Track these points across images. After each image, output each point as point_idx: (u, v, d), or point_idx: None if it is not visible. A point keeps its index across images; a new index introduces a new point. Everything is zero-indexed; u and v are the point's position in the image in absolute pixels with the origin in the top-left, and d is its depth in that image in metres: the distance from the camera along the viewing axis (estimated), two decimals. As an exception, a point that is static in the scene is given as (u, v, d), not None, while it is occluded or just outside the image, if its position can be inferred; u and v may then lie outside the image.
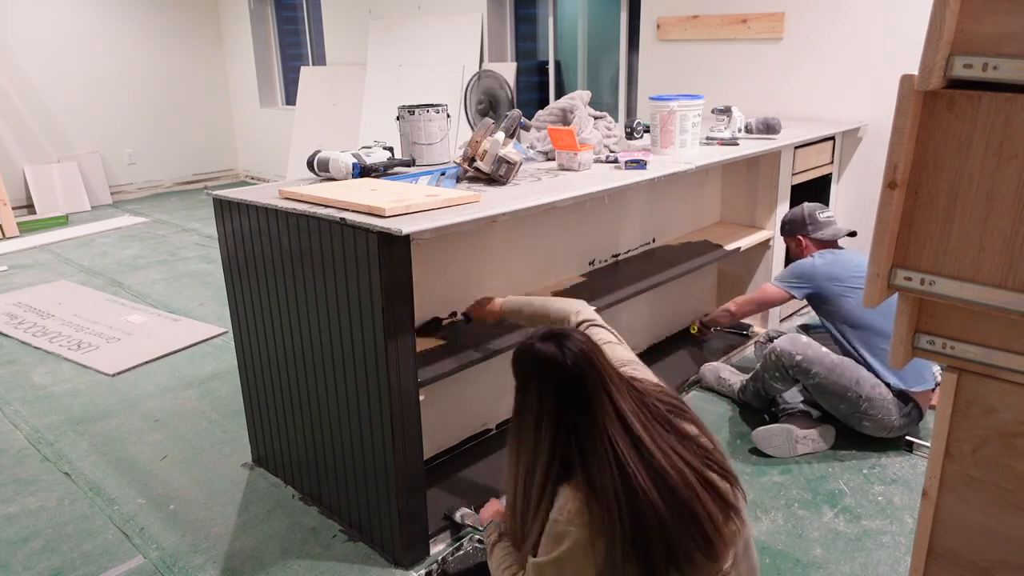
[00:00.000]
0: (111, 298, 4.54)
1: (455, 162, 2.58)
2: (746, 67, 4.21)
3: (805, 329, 3.06)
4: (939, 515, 1.11)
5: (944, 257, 0.97)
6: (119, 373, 3.49)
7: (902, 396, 2.58)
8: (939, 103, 0.93)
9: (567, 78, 5.72)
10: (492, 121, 2.48)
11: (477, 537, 2.19)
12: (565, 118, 2.96)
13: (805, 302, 2.91)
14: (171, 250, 5.66)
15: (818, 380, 2.58)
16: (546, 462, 1.36)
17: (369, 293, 1.91)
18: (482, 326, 2.32)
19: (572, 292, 2.73)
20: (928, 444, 1.96)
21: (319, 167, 2.52)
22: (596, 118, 2.98)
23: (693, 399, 3.07)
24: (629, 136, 3.24)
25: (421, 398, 2.06)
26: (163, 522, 2.39)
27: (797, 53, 4.01)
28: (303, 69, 7.23)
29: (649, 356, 3.39)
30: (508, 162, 2.37)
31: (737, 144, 3.18)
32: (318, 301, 2.10)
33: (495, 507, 1.94)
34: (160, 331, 3.97)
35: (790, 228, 3.03)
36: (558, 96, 5.43)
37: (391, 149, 2.63)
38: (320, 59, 7.43)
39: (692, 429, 1.42)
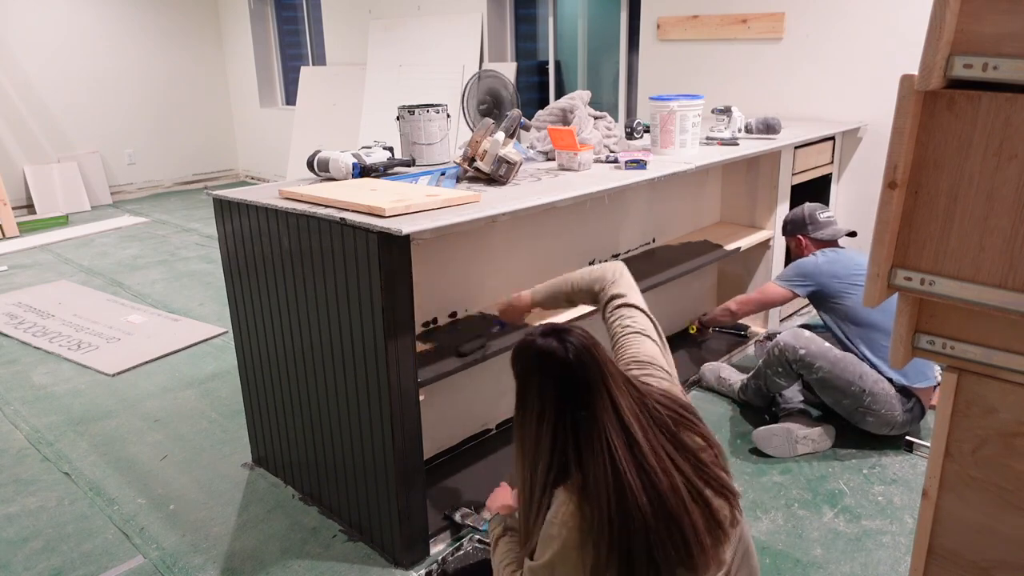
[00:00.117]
0: (111, 298, 4.54)
1: (455, 162, 2.58)
2: (746, 67, 4.22)
3: (806, 328, 3.06)
4: (939, 515, 1.11)
5: (944, 257, 0.97)
6: (119, 373, 3.49)
7: (904, 392, 2.59)
8: (939, 103, 0.93)
9: (567, 78, 5.72)
10: (492, 121, 2.48)
11: (477, 537, 2.19)
12: (565, 118, 2.96)
13: (806, 302, 2.91)
14: (171, 250, 5.66)
15: (821, 374, 2.58)
16: (547, 460, 1.36)
17: (369, 293, 1.91)
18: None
19: (572, 292, 2.73)
20: (928, 444, 1.96)
21: (319, 167, 2.52)
22: (596, 118, 2.98)
23: (693, 399, 3.07)
24: (629, 136, 3.24)
25: (421, 398, 2.06)
26: (163, 522, 2.39)
27: (797, 53, 4.01)
28: (303, 69, 7.23)
29: (649, 356, 3.38)
30: (508, 162, 2.37)
31: (737, 144, 3.18)
32: (318, 301, 2.10)
33: (503, 492, 1.92)
34: (160, 331, 3.97)
35: (791, 228, 3.05)
36: (558, 96, 5.43)
37: (391, 149, 2.63)
38: (320, 59, 7.43)
39: (694, 441, 1.40)
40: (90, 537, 2.33)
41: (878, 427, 2.62)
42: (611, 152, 2.90)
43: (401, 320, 1.94)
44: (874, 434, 2.67)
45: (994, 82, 0.89)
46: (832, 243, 2.95)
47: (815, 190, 3.80)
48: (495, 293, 2.62)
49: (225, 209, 2.36)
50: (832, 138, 3.81)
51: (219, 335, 3.90)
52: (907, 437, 2.68)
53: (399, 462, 2.04)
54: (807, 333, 2.68)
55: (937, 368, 2.65)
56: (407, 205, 1.95)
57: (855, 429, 2.69)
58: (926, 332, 1.04)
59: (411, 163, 2.67)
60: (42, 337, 3.94)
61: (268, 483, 2.57)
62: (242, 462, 2.71)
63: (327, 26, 7.02)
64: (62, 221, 6.62)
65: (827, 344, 2.64)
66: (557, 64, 5.66)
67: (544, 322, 1.58)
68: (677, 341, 3.57)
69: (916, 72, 0.92)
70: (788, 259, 3.66)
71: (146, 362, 3.60)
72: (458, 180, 2.48)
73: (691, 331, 3.38)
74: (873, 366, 2.59)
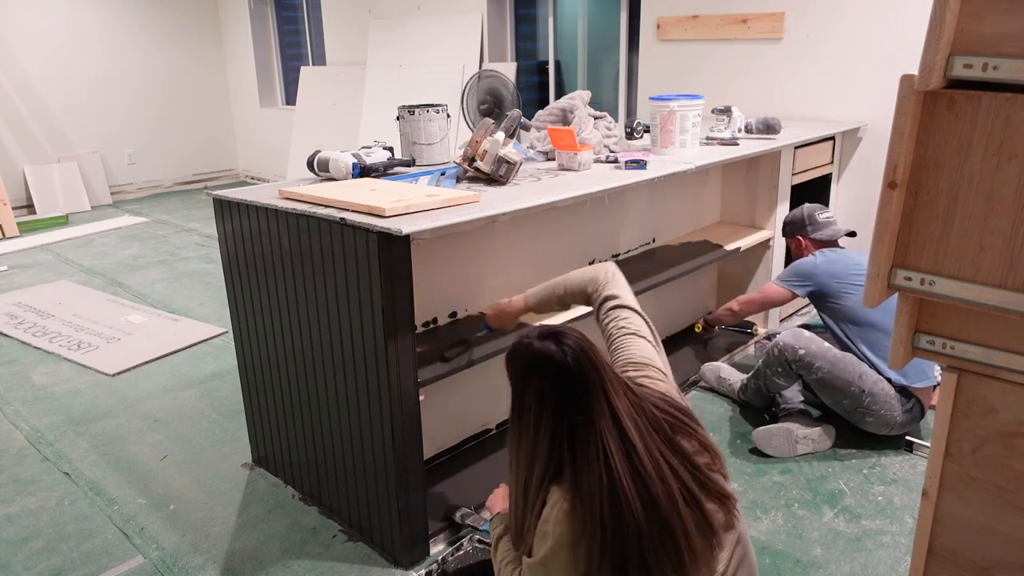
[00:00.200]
0: (111, 298, 4.54)
1: (455, 162, 2.58)
2: (746, 67, 4.22)
3: (806, 329, 3.06)
4: (939, 515, 1.11)
5: (944, 257, 0.97)
6: (119, 373, 3.49)
7: (904, 392, 2.59)
8: (939, 103, 0.93)
9: (567, 78, 5.72)
10: (492, 121, 2.48)
11: (477, 537, 2.19)
12: (565, 118, 2.96)
13: (807, 301, 2.91)
14: (171, 250, 5.66)
15: (821, 375, 2.58)
16: (544, 462, 1.35)
17: (369, 293, 1.91)
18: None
19: (572, 292, 2.73)
20: (928, 444, 1.96)
21: (319, 167, 2.52)
22: (596, 118, 2.98)
23: (693, 399, 3.07)
24: (629, 136, 3.24)
25: (421, 398, 2.06)
26: (163, 522, 2.39)
27: (797, 53, 4.01)
28: (303, 69, 7.23)
29: (649, 356, 3.38)
30: (508, 162, 2.37)
31: (737, 144, 3.18)
32: (318, 301, 2.10)
33: (504, 492, 1.92)
34: (160, 331, 3.97)
35: (790, 229, 3.06)
36: (558, 96, 5.43)
37: (391, 149, 2.63)
38: (320, 59, 7.43)
39: (691, 445, 1.40)
40: (90, 537, 2.33)
41: (877, 427, 2.62)
42: (611, 152, 2.90)
43: (401, 320, 1.94)
44: (874, 434, 2.67)
45: (994, 82, 0.89)
46: (832, 243, 2.96)
47: (815, 190, 3.80)
48: (495, 293, 2.62)
49: (225, 209, 2.36)
50: (832, 138, 3.81)
51: (219, 335, 3.90)
52: (907, 437, 2.68)
53: (399, 462, 2.04)
54: (807, 333, 2.68)
55: (937, 368, 2.65)
56: (407, 205, 1.95)
57: (855, 429, 2.69)
58: (926, 332, 1.04)
59: (411, 163, 2.67)
60: (42, 337, 3.94)
61: (268, 483, 2.57)
62: (242, 462, 2.71)
63: (327, 26, 7.02)
64: (62, 221, 6.62)
65: (827, 344, 2.64)
66: (557, 64, 5.66)
67: (537, 324, 1.57)
68: (678, 340, 3.57)
69: (916, 72, 0.92)
70: (788, 259, 3.66)
71: (146, 362, 3.60)
72: (458, 180, 2.48)
73: (697, 329, 3.39)
74: (873, 366, 2.60)
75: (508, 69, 5.56)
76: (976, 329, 1.00)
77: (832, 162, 3.90)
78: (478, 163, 2.42)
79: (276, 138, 7.75)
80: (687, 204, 3.51)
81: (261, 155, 8.20)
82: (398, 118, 2.74)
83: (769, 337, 3.06)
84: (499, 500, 1.90)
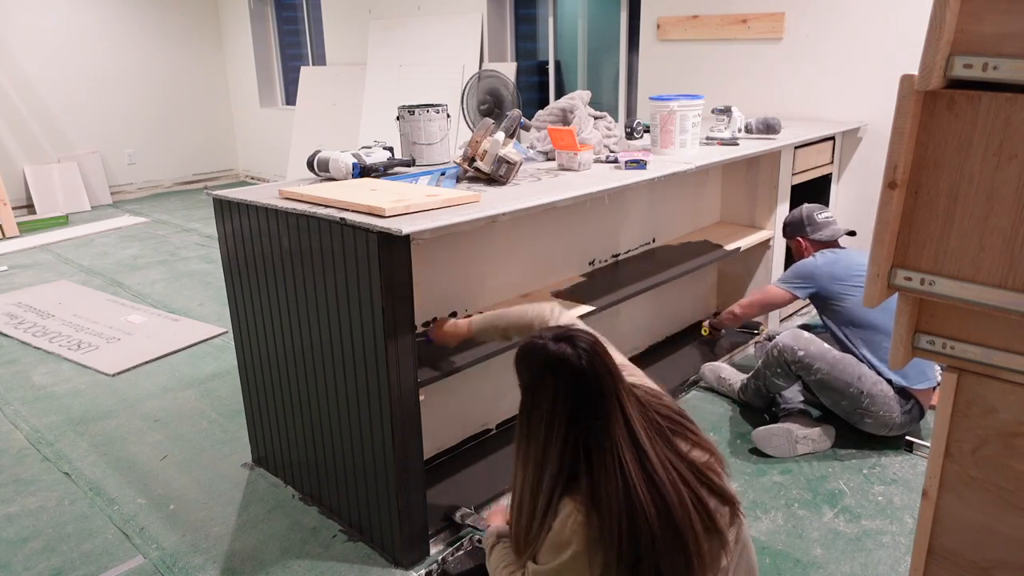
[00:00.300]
0: (111, 298, 4.54)
1: (455, 162, 2.58)
2: (746, 67, 4.21)
3: (806, 329, 3.06)
4: (939, 515, 1.11)
5: (944, 257, 0.97)
6: (119, 373, 3.49)
7: (903, 393, 2.59)
8: (939, 103, 0.93)
9: (567, 78, 5.72)
10: (492, 121, 2.48)
11: (477, 537, 2.19)
12: (565, 118, 2.96)
13: (807, 302, 2.91)
14: (171, 250, 5.66)
15: (820, 376, 2.58)
16: (555, 468, 1.33)
17: (369, 293, 1.91)
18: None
19: (572, 292, 2.73)
20: (928, 444, 1.96)
21: (319, 167, 2.52)
22: (596, 118, 2.98)
23: (693, 399, 3.07)
24: (629, 136, 3.24)
25: (421, 398, 2.06)
26: (163, 522, 2.39)
27: (797, 53, 4.01)
28: (303, 69, 7.23)
29: (649, 356, 3.39)
30: (508, 162, 2.37)
31: (737, 144, 3.18)
32: (318, 301, 2.10)
33: (502, 511, 1.93)
34: (160, 331, 3.97)
35: (790, 230, 3.06)
36: (558, 96, 5.43)
37: (391, 149, 2.63)
38: (320, 59, 7.43)
39: (695, 449, 1.39)
40: (90, 537, 2.33)
41: (876, 428, 2.62)
42: (611, 152, 2.90)
43: (401, 320, 1.94)
44: (874, 434, 2.67)
45: (994, 82, 0.89)
46: (832, 244, 2.95)
47: (815, 190, 3.80)
48: (495, 293, 2.62)
49: (225, 209, 2.36)
50: (832, 138, 3.81)
51: (219, 335, 3.90)
52: (907, 437, 2.68)
53: (399, 462, 2.04)
54: (806, 335, 2.68)
55: (937, 369, 2.65)
56: (407, 205, 1.95)
57: (855, 429, 2.69)
58: (926, 332, 1.05)
59: (411, 163, 2.67)
60: (42, 337, 3.94)
61: (268, 483, 2.57)
62: (242, 462, 2.71)
63: (327, 26, 7.02)
64: (62, 221, 6.62)
65: (826, 346, 2.64)
66: (557, 64, 5.66)
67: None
68: (678, 340, 3.57)
69: (916, 72, 0.92)
70: (788, 259, 3.66)
71: (146, 362, 3.60)
72: (458, 180, 2.48)
73: (703, 332, 3.40)
74: (873, 367, 2.59)
75: (508, 69, 5.55)
76: (976, 329, 1.00)
77: (832, 162, 3.90)
78: (478, 163, 2.42)
79: (276, 138, 7.75)
80: (687, 204, 3.51)
81: (261, 155, 8.20)
82: (398, 118, 2.74)
83: (770, 338, 3.06)
84: (496, 517, 1.91)
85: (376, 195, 2.05)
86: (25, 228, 6.36)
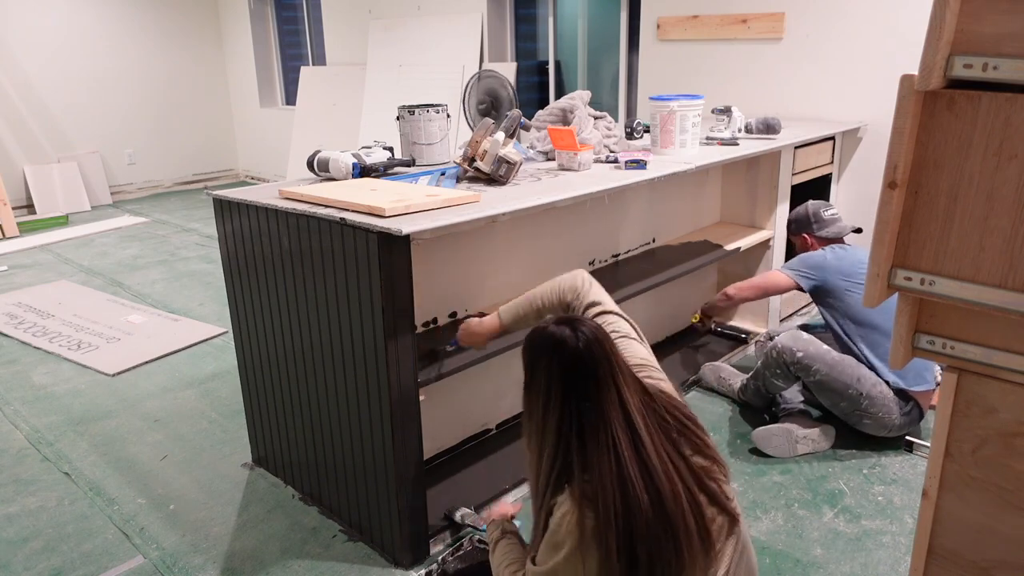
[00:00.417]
0: (111, 298, 4.54)
1: (455, 162, 2.58)
2: (746, 67, 4.21)
3: (805, 329, 3.06)
4: (939, 515, 1.11)
5: (944, 257, 0.97)
6: (119, 373, 3.49)
7: (902, 395, 2.59)
8: (939, 103, 0.93)
9: (567, 78, 5.72)
10: (492, 121, 2.48)
11: (477, 537, 2.19)
12: (565, 118, 2.96)
13: (807, 301, 2.90)
14: (171, 250, 5.66)
15: (819, 377, 2.58)
16: (552, 448, 1.36)
17: (369, 293, 1.91)
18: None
19: (572, 292, 2.73)
20: (928, 444, 1.96)
21: (319, 167, 2.52)
22: (596, 118, 2.98)
23: (693, 399, 3.07)
24: (629, 136, 3.24)
25: (421, 398, 2.06)
26: (163, 522, 2.39)
27: (797, 53, 4.01)
28: (303, 69, 7.23)
29: (649, 356, 3.38)
30: (508, 162, 2.37)
31: (737, 144, 3.18)
32: (318, 301, 2.10)
33: (503, 506, 1.93)
34: (160, 331, 3.97)
35: (795, 227, 3.05)
36: (558, 96, 5.43)
37: (391, 149, 2.63)
38: (320, 59, 7.43)
39: (699, 454, 1.40)
40: (90, 537, 2.33)
41: (875, 429, 2.62)
42: (611, 152, 2.90)
43: (401, 320, 1.94)
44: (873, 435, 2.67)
45: (994, 82, 0.89)
46: (838, 240, 2.94)
47: (815, 190, 3.80)
48: (495, 293, 2.62)
49: (225, 209, 2.36)
50: (832, 138, 3.81)
51: (219, 335, 3.90)
52: (907, 437, 2.68)
53: (399, 462, 2.04)
54: (805, 336, 2.67)
55: (937, 370, 2.65)
56: (407, 205, 1.95)
57: (855, 429, 2.69)
58: (926, 332, 1.04)
59: (411, 163, 2.67)
60: (42, 337, 3.94)
61: (268, 483, 2.57)
62: (242, 462, 2.71)
63: (327, 26, 7.02)
64: (62, 221, 6.62)
65: (825, 347, 2.63)
66: (557, 64, 5.66)
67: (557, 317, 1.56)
68: (678, 340, 3.57)
69: (916, 72, 0.92)
70: (790, 257, 3.66)
71: (146, 362, 3.60)
72: (458, 180, 2.48)
73: (694, 320, 3.33)
74: (872, 367, 2.59)
75: (508, 69, 5.55)
76: (976, 329, 1.00)
77: (832, 162, 3.90)
78: (478, 163, 2.42)
79: (276, 138, 7.75)
80: (687, 204, 3.51)
81: (261, 155, 8.20)
82: (398, 118, 2.74)
83: (770, 337, 3.05)
84: (498, 511, 1.92)
85: (376, 195, 2.05)
86: (25, 228, 6.36)
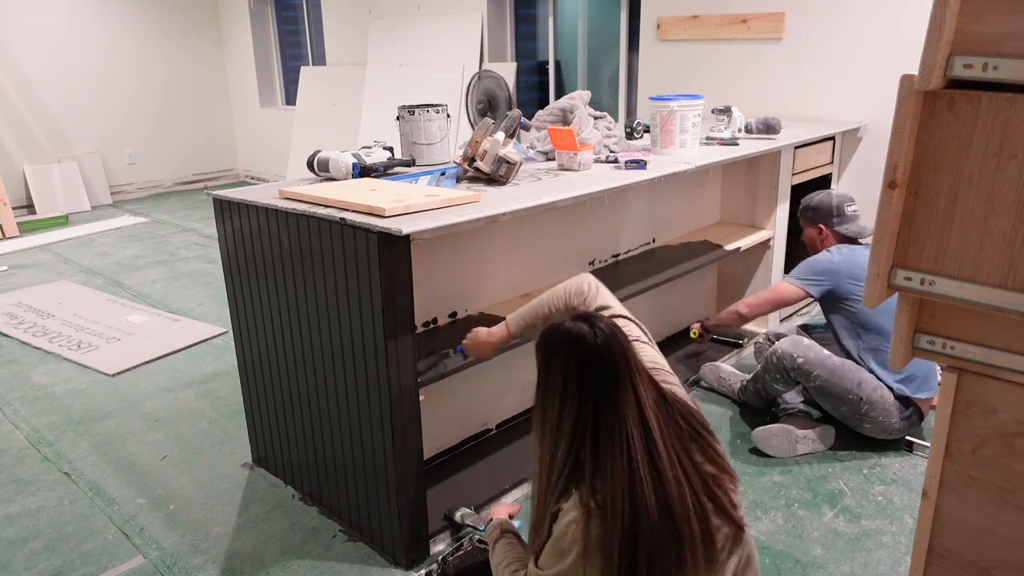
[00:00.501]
0: (111, 298, 4.54)
1: (455, 162, 2.58)
2: (746, 67, 4.21)
3: (805, 329, 3.06)
4: (939, 515, 1.11)
5: (944, 257, 0.97)
6: (119, 373, 3.49)
7: (904, 399, 2.58)
8: (939, 103, 0.93)
9: (567, 78, 5.72)
10: (492, 121, 2.48)
11: (477, 537, 2.19)
12: (565, 118, 2.96)
13: (808, 300, 2.84)
14: (171, 250, 5.66)
15: (819, 383, 2.57)
16: (567, 445, 1.34)
17: (369, 293, 1.91)
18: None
19: (572, 292, 2.73)
20: (928, 444, 1.96)
21: (319, 167, 2.52)
22: (596, 118, 2.98)
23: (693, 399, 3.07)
24: (629, 136, 3.24)
25: (421, 398, 2.06)
26: (163, 522, 2.39)
27: (797, 53, 4.01)
28: (303, 69, 7.23)
29: (649, 356, 3.38)
30: (508, 162, 2.37)
31: (737, 144, 3.18)
32: (318, 301, 2.10)
33: (502, 507, 1.93)
34: (160, 331, 3.97)
35: (813, 215, 2.85)
36: (558, 96, 5.43)
37: (391, 149, 2.63)
38: (320, 59, 7.43)
39: (704, 459, 1.38)
40: (90, 537, 2.33)
41: (875, 432, 2.61)
42: (611, 152, 2.90)
43: (401, 320, 1.94)
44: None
45: (994, 82, 0.89)
46: (853, 241, 2.79)
47: (815, 190, 3.79)
48: (495, 293, 2.62)
49: (225, 209, 2.36)
50: (832, 138, 3.81)
51: (219, 335, 3.90)
52: (907, 437, 2.68)
53: (399, 462, 2.04)
54: (805, 341, 2.65)
55: (938, 370, 2.64)
56: (407, 205, 1.95)
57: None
58: (926, 332, 1.04)
59: (411, 163, 2.67)
60: (42, 337, 3.94)
61: (268, 483, 2.57)
62: (242, 462, 2.71)
63: (327, 26, 7.02)
64: (62, 221, 6.62)
65: (825, 352, 2.60)
66: (557, 64, 5.66)
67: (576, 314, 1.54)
68: (678, 341, 3.57)
69: (916, 72, 0.92)
70: (791, 253, 3.66)
71: (146, 362, 3.60)
72: (458, 180, 2.48)
73: (693, 335, 3.23)
74: (874, 374, 2.57)
75: (508, 69, 5.55)
76: (976, 329, 1.00)
77: (832, 162, 3.90)
78: (478, 163, 2.42)
79: (276, 138, 7.75)
80: (687, 204, 3.51)
81: (261, 155, 8.20)
82: (398, 118, 2.74)
83: (771, 340, 3.03)
84: (496, 512, 1.92)
85: (376, 195, 2.05)
86: (25, 228, 6.36)
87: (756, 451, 2.66)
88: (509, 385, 2.78)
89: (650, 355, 1.60)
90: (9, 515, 2.46)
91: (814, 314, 3.89)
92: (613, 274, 2.98)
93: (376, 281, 1.88)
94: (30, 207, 6.92)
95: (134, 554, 2.24)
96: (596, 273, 2.97)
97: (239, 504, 2.46)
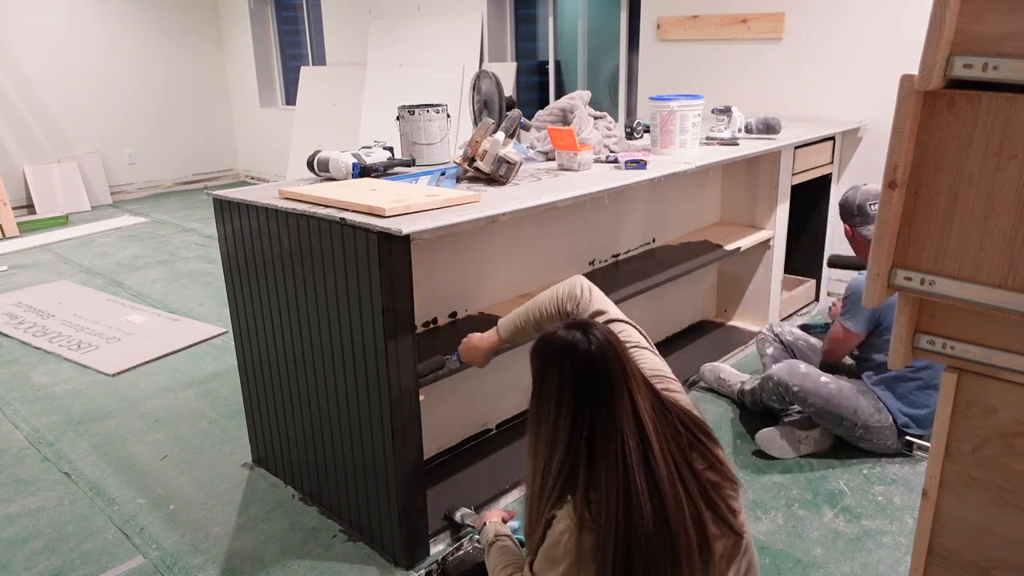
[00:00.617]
0: (111, 298, 4.54)
1: (455, 162, 2.58)
2: (746, 67, 4.21)
3: (805, 329, 3.05)
4: (939, 515, 1.11)
5: (944, 257, 0.97)
6: (119, 373, 3.49)
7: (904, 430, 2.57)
8: (939, 103, 0.93)
9: (567, 78, 5.72)
10: (492, 121, 2.48)
11: (477, 537, 2.19)
12: (565, 118, 2.96)
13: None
14: (171, 250, 5.66)
15: (815, 409, 2.56)
16: (563, 454, 1.33)
17: (369, 293, 1.91)
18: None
19: (572, 292, 2.73)
20: (928, 444, 1.96)
21: (319, 167, 2.52)
22: (596, 118, 2.98)
23: (693, 399, 3.06)
24: (629, 136, 3.24)
25: (421, 398, 2.06)
26: (163, 522, 2.39)
27: (797, 53, 4.01)
28: (303, 69, 7.23)
29: (649, 356, 3.38)
30: (508, 162, 2.37)
31: (737, 144, 3.18)
32: (318, 301, 2.10)
33: (495, 516, 1.93)
34: (160, 331, 3.97)
35: (841, 212, 2.76)
36: (558, 96, 5.43)
37: (391, 149, 2.63)
38: (320, 59, 7.43)
39: (703, 465, 1.37)
40: (90, 537, 2.33)
41: (873, 448, 2.61)
42: (611, 152, 2.90)
43: (401, 320, 1.94)
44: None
45: (994, 82, 0.89)
46: None
47: (815, 190, 3.80)
48: (495, 293, 2.62)
49: (225, 209, 2.36)
50: (832, 138, 3.81)
51: (219, 335, 3.90)
52: (907, 437, 2.67)
53: (399, 462, 2.04)
54: (802, 368, 2.61)
55: None
56: (407, 205, 1.95)
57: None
58: (926, 332, 1.04)
59: (411, 163, 2.67)
60: (42, 337, 3.94)
61: (268, 483, 2.57)
62: (242, 462, 2.71)
63: (327, 26, 7.02)
64: (62, 221, 6.62)
65: (823, 379, 2.56)
66: (557, 64, 5.66)
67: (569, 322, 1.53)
68: (678, 341, 3.57)
69: (916, 72, 0.92)
70: (790, 254, 3.65)
71: (146, 362, 3.60)
72: (458, 180, 2.48)
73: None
74: (887, 408, 2.53)
75: (508, 69, 5.56)
76: (976, 329, 1.00)
77: (832, 162, 3.90)
78: (478, 163, 2.42)
79: (276, 138, 7.75)
80: (687, 204, 3.51)
81: (261, 155, 8.20)
82: (398, 118, 2.74)
83: (773, 333, 3.00)
84: (493, 515, 1.92)
85: (376, 195, 2.05)
86: (25, 228, 6.36)
87: (757, 451, 2.66)
88: (509, 385, 2.78)
89: (651, 361, 1.58)
90: (9, 515, 2.46)
91: (814, 314, 3.89)
92: (613, 274, 2.98)
93: (376, 281, 1.88)
94: (30, 207, 6.92)
95: (134, 554, 2.24)
96: (596, 273, 2.98)
97: (239, 504, 2.46)
